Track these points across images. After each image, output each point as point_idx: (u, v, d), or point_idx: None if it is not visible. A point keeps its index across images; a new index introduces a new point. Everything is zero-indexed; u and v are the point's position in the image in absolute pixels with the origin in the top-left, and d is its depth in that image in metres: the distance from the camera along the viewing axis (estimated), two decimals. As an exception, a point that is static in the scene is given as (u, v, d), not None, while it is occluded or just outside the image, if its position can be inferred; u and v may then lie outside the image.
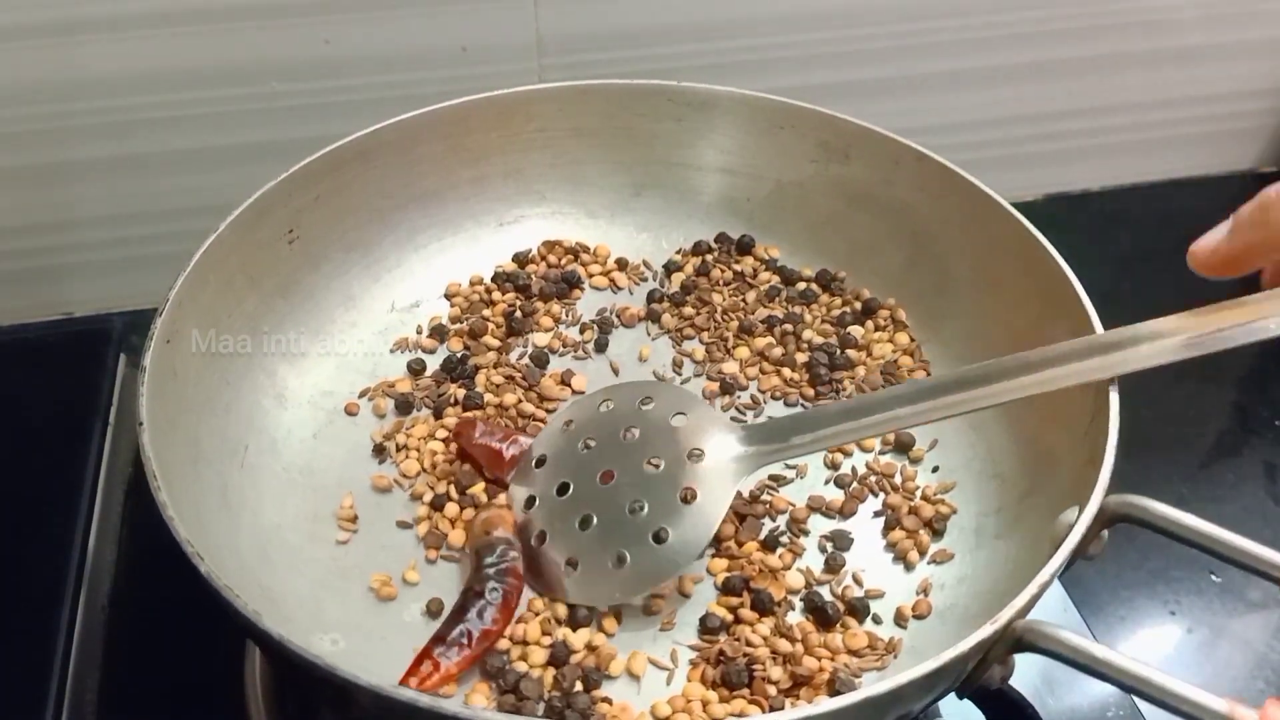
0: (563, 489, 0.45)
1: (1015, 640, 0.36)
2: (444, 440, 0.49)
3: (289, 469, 0.48)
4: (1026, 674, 0.50)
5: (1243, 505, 0.56)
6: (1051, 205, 0.76)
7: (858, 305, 0.55)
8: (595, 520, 0.43)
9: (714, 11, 0.65)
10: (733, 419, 0.51)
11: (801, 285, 0.56)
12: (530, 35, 0.63)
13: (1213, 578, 0.54)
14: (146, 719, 0.48)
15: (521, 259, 0.58)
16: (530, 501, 0.45)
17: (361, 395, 0.51)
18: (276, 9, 0.59)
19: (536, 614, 0.43)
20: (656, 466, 0.44)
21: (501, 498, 0.46)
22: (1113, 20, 0.71)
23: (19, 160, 0.61)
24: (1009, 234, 0.49)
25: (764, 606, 0.43)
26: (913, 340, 0.54)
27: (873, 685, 0.33)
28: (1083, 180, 0.77)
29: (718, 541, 0.45)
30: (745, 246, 0.58)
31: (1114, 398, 0.42)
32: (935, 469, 0.50)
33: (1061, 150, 0.76)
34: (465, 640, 0.40)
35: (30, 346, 0.63)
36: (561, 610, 0.43)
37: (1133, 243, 0.72)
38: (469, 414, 0.50)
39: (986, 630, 0.35)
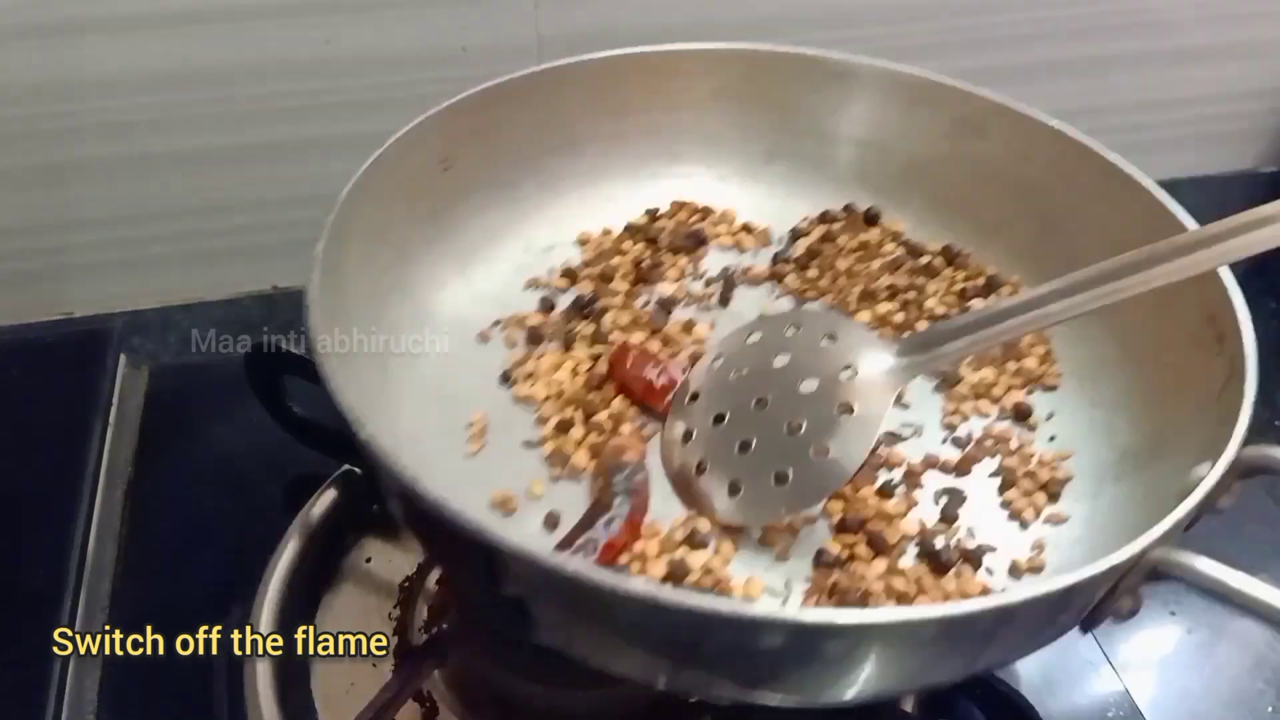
0: (719, 419, 0.45)
1: (1150, 569, 0.35)
2: (571, 370, 0.50)
3: (425, 384, 0.49)
4: (1027, 673, 0.50)
5: (1243, 505, 0.56)
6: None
7: (981, 281, 0.55)
8: (755, 442, 0.44)
9: (713, 11, 0.65)
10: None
11: (926, 258, 0.56)
12: (530, 35, 0.63)
13: (1213, 578, 0.54)
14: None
15: (652, 214, 0.59)
16: (687, 435, 0.46)
17: (494, 325, 0.53)
18: (276, 9, 0.59)
19: (656, 534, 0.43)
20: (810, 386, 0.44)
21: (627, 426, 0.47)
22: (1113, 20, 0.71)
23: (19, 160, 0.61)
24: (1149, 215, 0.48)
25: (879, 546, 0.43)
26: None
27: (1003, 595, 0.33)
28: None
29: None
30: (872, 218, 0.58)
31: (1251, 362, 0.41)
32: (1052, 438, 0.49)
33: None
34: (590, 549, 0.41)
35: (30, 346, 0.63)
36: (680, 534, 0.43)
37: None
38: (623, 344, 0.51)
39: (1123, 554, 0.34)
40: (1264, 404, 0.40)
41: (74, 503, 0.52)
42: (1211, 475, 0.37)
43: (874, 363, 0.44)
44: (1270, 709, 0.49)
